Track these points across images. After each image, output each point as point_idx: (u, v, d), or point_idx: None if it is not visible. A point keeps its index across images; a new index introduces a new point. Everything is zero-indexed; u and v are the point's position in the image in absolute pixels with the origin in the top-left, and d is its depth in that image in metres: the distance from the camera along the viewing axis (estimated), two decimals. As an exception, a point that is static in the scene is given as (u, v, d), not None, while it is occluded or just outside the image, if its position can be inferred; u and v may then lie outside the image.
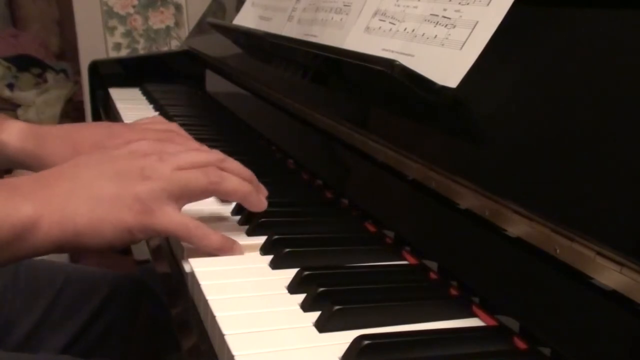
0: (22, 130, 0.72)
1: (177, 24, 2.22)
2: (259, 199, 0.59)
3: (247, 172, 0.60)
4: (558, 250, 0.42)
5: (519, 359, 0.43)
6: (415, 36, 0.63)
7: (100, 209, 0.52)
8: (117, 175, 0.54)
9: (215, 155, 0.59)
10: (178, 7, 2.21)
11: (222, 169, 0.57)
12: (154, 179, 0.53)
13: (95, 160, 0.56)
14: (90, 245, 0.52)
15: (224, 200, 0.66)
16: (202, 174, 0.56)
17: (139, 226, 0.52)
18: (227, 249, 0.55)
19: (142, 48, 2.21)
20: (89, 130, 0.73)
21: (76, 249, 0.53)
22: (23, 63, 2.62)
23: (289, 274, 0.51)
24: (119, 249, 0.55)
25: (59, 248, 0.52)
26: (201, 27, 1.45)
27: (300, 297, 0.48)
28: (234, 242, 0.56)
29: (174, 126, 0.75)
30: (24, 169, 0.73)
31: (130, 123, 0.78)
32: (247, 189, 0.58)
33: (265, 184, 0.67)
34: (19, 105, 2.52)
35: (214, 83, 1.31)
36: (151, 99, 1.25)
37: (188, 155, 0.57)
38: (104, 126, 0.76)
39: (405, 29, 0.65)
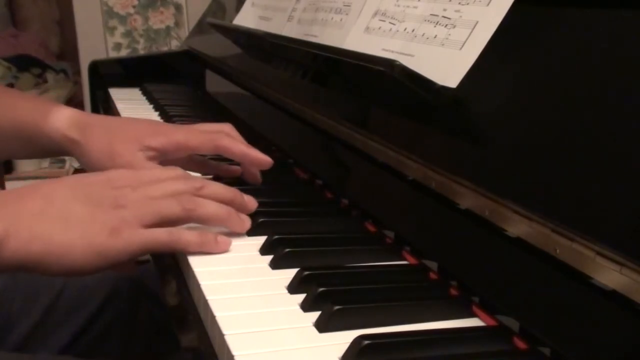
0: (71, 118, 0.73)
1: (177, 24, 2.22)
2: (239, 221, 0.58)
3: (229, 194, 0.59)
4: (558, 250, 0.42)
5: (519, 359, 0.43)
6: (415, 36, 0.63)
7: (71, 231, 0.51)
8: (91, 200, 0.53)
9: (192, 183, 0.58)
10: (178, 7, 2.21)
11: (200, 196, 0.57)
12: (126, 208, 0.53)
13: (71, 184, 0.56)
14: (56, 268, 0.51)
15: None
16: (175, 202, 0.55)
17: (110, 249, 0.51)
18: (209, 244, 0.55)
19: (142, 48, 2.21)
20: (134, 126, 0.73)
21: (41, 271, 0.51)
22: (23, 63, 2.62)
23: (289, 274, 0.51)
24: (89, 274, 0.54)
25: (23, 267, 0.50)
26: (201, 27, 1.45)
27: (300, 297, 0.48)
28: (215, 235, 0.56)
29: (226, 127, 0.73)
30: (65, 155, 0.76)
31: (182, 125, 0.76)
32: (225, 213, 0.57)
33: (266, 184, 0.67)
34: (19, 105, 2.52)
35: (214, 83, 1.31)
36: (151, 99, 1.25)
37: (162, 185, 0.57)
38: (150, 123, 0.76)
39: (405, 29, 0.65)
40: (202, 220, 0.57)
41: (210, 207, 0.57)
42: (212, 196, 0.58)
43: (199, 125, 0.74)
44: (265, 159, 0.69)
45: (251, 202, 0.61)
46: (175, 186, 0.57)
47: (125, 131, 0.71)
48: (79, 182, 0.56)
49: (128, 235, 0.52)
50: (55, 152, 0.76)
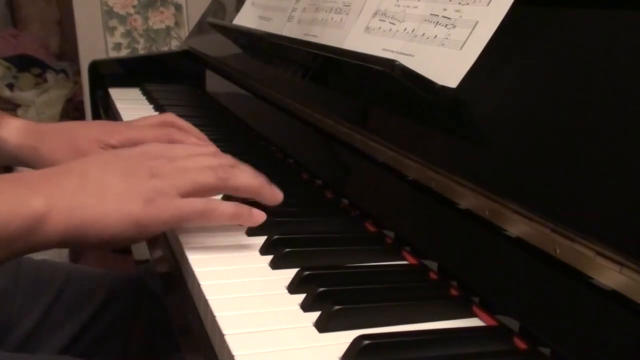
0: (22, 127, 0.74)
1: (177, 24, 2.22)
2: (272, 192, 0.60)
3: (258, 178, 0.60)
4: (558, 250, 0.42)
5: (519, 359, 0.43)
6: (415, 36, 0.63)
7: (108, 202, 0.52)
8: (126, 173, 0.55)
9: (225, 160, 0.60)
10: (178, 7, 2.21)
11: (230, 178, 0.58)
12: (162, 178, 0.55)
13: (105, 159, 0.58)
14: (96, 239, 0.52)
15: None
16: (210, 171, 0.57)
17: (146, 217, 0.52)
18: (243, 216, 0.56)
19: (142, 48, 2.21)
20: (88, 127, 0.76)
21: (82, 243, 0.53)
22: (23, 63, 2.63)
23: (289, 274, 0.51)
24: (125, 245, 0.56)
25: (65, 242, 0.52)
26: (201, 27, 1.45)
27: (300, 297, 0.48)
28: (250, 208, 0.57)
29: (169, 116, 0.77)
30: (23, 166, 0.75)
31: (128, 121, 0.80)
32: (259, 183, 0.59)
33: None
34: (19, 105, 2.53)
35: (214, 83, 1.31)
36: (151, 99, 1.25)
37: (197, 159, 0.58)
38: (102, 123, 0.79)
39: (405, 29, 0.65)
40: (236, 190, 0.58)
41: (244, 177, 0.58)
42: (238, 183, 0.59)
43: (142, 119, 0.78)
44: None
45: (277, 193, 0.61)
46: (208, 160, 0.59)
47: (82, 133, 0.73)
48: (114, 156, 0.58)
49: (163, 203, 0.53)
50: (7, 162, 0.76)
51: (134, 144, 0.71)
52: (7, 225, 0.48)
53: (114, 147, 0.71)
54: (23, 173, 0.55)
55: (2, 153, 0.74)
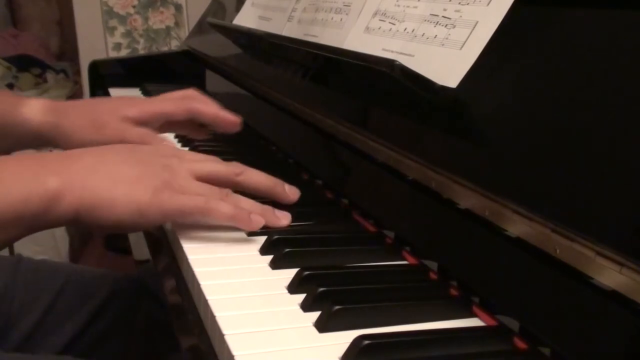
0: (43, 106, 0.76)
1: (177, 24, 2.22)
2: (286, 190, 0.62)
3: (269, 182, 0.62)
4: (558, 250, 0.42)
5: (519, 359, 0.43)
6: (415, 36, 0.63)
7: (117, 189, 0.55)
8: (139, 164, 0.57)
9: (233, 168, 0.62)
10: (178, 7, 2.21)
11: (238, 182, 0.61)
12: (171, 174, 0.57)
13: (119, 149, 0.61)
14: (104, 221, 0.55)
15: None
16: (223, 166, 0.59)
17: (150, 207, 0.55)
18: (240, 218, 0.57)
19: (142, 48, 2.21)
20: (107, 100, 0.80)
21: (91, 222, 0.55)
22: (23, 63, 2.62)
23: (289, 274, 0.51)
24: (129, 231, 0.63)
25: (76, 221, 0.55)
26: (201, 27, 1.45)
27: (300, 297, 0.48)
28: (249, 213, 0.58)
29: (191, 91, 0.79)
30: (46, 145, 0.78)
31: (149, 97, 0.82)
32: (272, 182, 0.61)
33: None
34: (19, 105, 2.52)
35: (214, 83, 1.31)
36: (151, 99, 1.25)
37: (205, 164, 0.61)
38: (121, 97, 0.84)
39: (405, 29, 0.65)
40: (248, 187, 0.61)
41: (258, 175, 0.61)
42: (251, 182, 0.61)
43: (166, 94, 0.80)
44: (235, 120, 0.76)
45: (293, 192, 0.63)
46: (216, 166, 0.61)
47: (102, 106, 0.76)
48: (128, 148, 0.62)
49: (168, 197, 0.55)
50: (30, 142, 0.78)
51: (151, 116, 0.74)
52: (27, 204, 0.52)
53: (132, 119, 0.73)
54: (40, 154, 0.58)
55: (25, 132, 0.75)
